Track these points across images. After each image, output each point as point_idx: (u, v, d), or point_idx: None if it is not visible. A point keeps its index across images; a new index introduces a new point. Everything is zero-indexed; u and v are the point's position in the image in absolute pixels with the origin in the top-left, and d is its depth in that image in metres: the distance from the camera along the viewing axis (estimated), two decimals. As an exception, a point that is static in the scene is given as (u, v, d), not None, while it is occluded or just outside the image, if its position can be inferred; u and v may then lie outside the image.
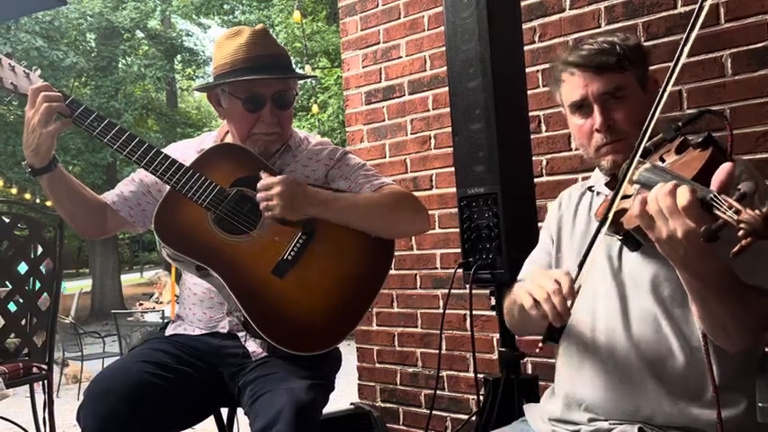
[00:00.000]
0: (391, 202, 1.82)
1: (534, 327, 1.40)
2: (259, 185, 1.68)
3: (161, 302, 8.93)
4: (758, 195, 1.07)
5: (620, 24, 2.41)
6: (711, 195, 1.00)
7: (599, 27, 2.48)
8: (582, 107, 1.44)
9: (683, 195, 1.03)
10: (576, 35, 2.54)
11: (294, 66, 1.99)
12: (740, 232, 0.92)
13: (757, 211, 0.92)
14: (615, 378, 1.34)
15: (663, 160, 1.26)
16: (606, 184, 1.45)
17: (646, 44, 2.22)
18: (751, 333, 1.22)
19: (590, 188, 1.55)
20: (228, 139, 1.94)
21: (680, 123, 1.30)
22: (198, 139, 2.08)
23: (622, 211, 1.25)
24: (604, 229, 1.27)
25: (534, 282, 1.28)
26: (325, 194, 1.75)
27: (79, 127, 1.75)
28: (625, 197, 1.26)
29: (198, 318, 1.89)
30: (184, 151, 1.91)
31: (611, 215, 1.25)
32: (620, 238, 1.34)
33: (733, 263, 1.15)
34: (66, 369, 7.46)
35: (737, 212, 0.94)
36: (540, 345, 1.26)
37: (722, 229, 0.95)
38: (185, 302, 1.94)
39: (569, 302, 1.22)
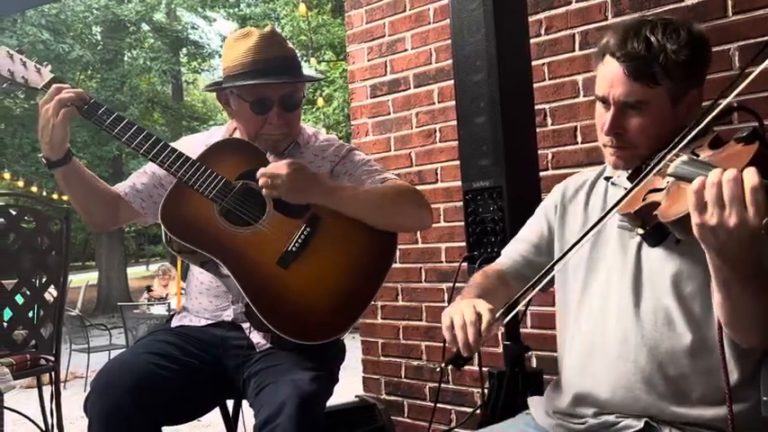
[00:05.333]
0: (394, 194, 1.82)
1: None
2: (262, 169, 1.69)
3: (167, 294, 8.97)
4: None
5: (626, 17, 2.39)
6: None
7: (606, 20, 2.47)
8: (603, 100, 1.38)
9: (752, 177, 0.98)
10: (582, 28, 2.52)
11: (300, 59, 2.00)
12: None
13: None
14: (625, 375, 1.33)
15: (696, 155, 1.22)
16: (628, 177, 1.39)
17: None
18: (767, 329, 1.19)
19: (606, 177, 1.49)
20: (237, 135, 1.95)
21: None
22: (207, 133, 2.10)
23: (653, 205, 1.21)
24: (613, 221, 1.24)
25: (458, 306, 1.31)
26: (331, 183, 1.78)
27: (89, 120, 1.77)
28: (655, 190, 1.22)
29: (204, 307, 1.90)
30: (193, 145, 1.91)
31: (638, 207, 1.22)
32: (641, 233, 1.30)
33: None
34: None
35: None
36: (438, 368, 1.27)
37: None
38: (192, 292, 1.95)
39: (483, 337, 1.25)
